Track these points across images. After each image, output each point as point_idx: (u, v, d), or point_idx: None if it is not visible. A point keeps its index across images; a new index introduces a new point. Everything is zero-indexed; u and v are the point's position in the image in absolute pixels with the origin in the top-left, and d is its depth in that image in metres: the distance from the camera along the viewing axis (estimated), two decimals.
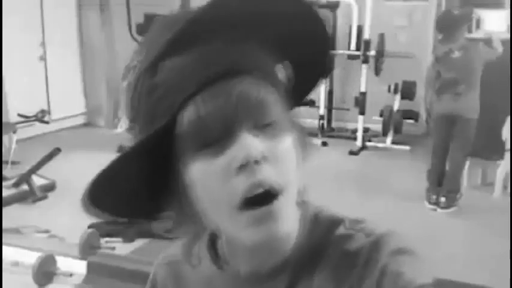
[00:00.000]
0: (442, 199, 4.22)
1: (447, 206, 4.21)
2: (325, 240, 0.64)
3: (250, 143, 0.55)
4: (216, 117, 0.56)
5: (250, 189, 0.55)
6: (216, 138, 0.56)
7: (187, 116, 0.56)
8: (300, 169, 0.61)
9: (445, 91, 4.15)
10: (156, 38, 0.60)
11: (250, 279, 0.65)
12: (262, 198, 0.56)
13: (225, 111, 0.56)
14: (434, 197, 4.27)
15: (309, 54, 0.64)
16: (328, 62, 0.67)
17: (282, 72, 0.61)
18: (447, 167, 4.32)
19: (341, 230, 0.64)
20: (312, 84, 0.69)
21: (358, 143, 6.07)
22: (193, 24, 0.57)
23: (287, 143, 0.59)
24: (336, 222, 0.65)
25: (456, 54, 4.06)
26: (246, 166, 0.55)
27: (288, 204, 0.58)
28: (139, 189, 0.61)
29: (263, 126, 0.57)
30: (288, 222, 0.58)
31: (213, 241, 0.71)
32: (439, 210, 4.22)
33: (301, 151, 0.61)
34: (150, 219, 0.67)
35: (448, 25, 4.11)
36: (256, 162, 0.55)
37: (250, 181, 0.55)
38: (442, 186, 4.26)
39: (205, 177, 0.57)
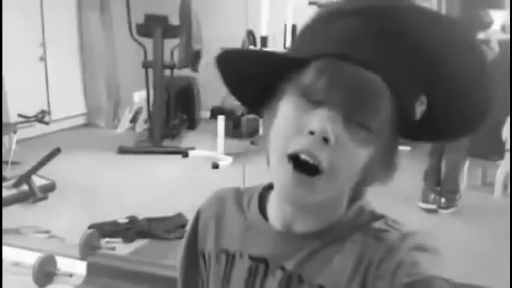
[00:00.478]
0: (442, 199, 4.22)
1: (447, 207, 4.21)
2: (363, 226, 0.70)
3: (332, 124, 0.62)
4: (331, 86, 0.63)
5: (301, 152, 0.62)
6: (318, 98, 0.63)
7: (315, 67, 0.64)
8: (369, 184, 0.72)
9: None
10: None
11: (283, 235, 0.73)
12: (306, 166, 0.62)
13: (342, 87, 0.62)
14: (432, 196, 4.26)
15: (455, 108, 0.68)
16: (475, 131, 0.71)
17: (421, 103, 0.65)
18: (443, 168, 4.32)
19: (379, 224, 0.70)
20: (437, 135, 0.73)
21: None
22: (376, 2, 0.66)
23: (360, 153, 0.64)
24: (377, 216, 0.72)
25: None
26: (314, 134, 0.62)
27: (327, 188, 0.65)
28: (251, 83, 0.71)
29: (358, 124, 0.63)
30: (320, 200, 0.66)
31: (262, 197, 0.79)
32: (439, 210, 4.22)
33: (377, 173, 0.69)
34: (247, 109, 0.79)
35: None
36: (324, 139, 0.62)
37: (307, 147, 0.62)
38: (441, 187, 4.26)
39: (287, 116, 0.66)
